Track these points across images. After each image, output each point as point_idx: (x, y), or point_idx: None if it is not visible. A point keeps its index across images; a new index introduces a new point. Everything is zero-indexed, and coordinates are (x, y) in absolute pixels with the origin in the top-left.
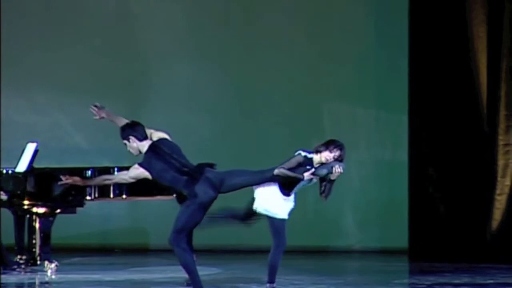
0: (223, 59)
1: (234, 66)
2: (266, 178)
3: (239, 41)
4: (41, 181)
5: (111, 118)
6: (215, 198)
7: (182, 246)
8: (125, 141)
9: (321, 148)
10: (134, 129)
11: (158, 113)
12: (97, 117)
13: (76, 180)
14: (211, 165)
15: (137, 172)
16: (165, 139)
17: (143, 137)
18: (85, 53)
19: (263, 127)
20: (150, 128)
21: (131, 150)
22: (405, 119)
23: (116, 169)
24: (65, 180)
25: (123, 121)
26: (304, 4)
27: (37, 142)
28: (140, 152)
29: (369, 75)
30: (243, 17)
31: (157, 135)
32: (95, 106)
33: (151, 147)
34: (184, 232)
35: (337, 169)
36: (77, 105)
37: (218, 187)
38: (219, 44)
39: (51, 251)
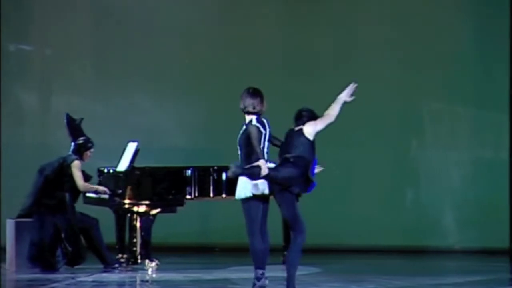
0: (321, 61)
1: (337, 67)
2: None
3: (341, 44)
4: (142, 180)
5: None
6: None
7: None
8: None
9: None
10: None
11: None
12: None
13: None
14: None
15: None
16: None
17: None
18: (187, 54)
19: (364, 127)
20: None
21: None
22: (506, 118)
23: (215, 168)
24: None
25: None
26: (406, 8)
27: (137, 141)
28: None
29: (469, 75)
30: (342, 18)
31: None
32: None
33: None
34: None
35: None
36: (177, 105)
37: None
38: (311, 46)
39: (151, 250)
